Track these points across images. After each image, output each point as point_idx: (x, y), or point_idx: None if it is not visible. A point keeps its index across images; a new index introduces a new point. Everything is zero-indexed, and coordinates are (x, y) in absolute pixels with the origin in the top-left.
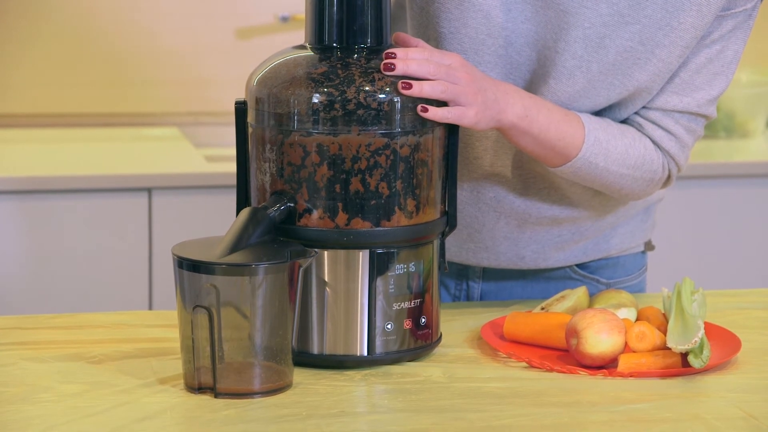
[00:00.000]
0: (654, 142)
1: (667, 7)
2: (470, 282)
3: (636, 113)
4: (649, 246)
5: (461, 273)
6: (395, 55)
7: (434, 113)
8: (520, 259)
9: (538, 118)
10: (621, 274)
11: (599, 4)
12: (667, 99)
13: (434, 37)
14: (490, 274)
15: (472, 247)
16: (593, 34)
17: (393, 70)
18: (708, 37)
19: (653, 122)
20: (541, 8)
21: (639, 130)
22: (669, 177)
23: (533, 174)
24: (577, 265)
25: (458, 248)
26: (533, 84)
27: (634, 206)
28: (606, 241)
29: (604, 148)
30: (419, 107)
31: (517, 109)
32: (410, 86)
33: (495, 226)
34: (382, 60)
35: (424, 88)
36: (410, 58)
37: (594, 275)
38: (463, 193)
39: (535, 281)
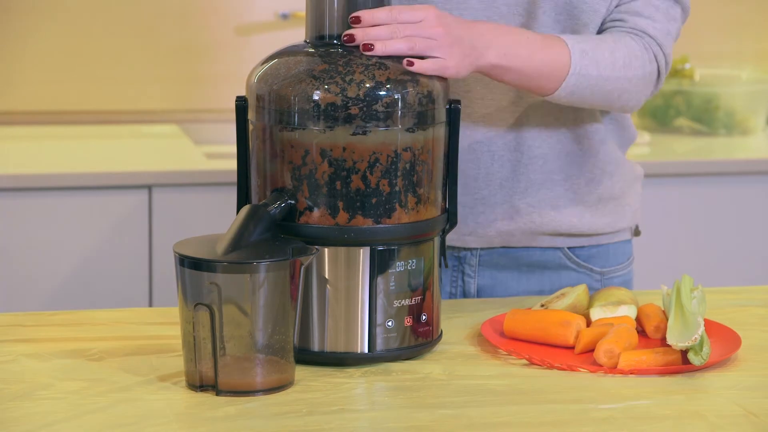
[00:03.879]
0: (639, 32)
1: None
2: (466, 277)
3: (617, 10)
4: (636, 231)
5: (456, 268)
6: (360, 19)
7: (419, 65)
8: (516, 212)
9: (518, 53)
10: (612, 263)
11: None
12: None
13: None
14: (485, 263)
15: (469, 200)
16: None
17: (353, 42)
18: None
19: (634, 13)
20: None
21: (621, 28)
22: (659, 71)
23: (525, 107)
24: (570, 249)
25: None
26: (521, 7)
27: (620, 175)
28: (597, 215)
29: (592, 57)
30: (405, 61)
31: (496, 49)
32: (372, 47)
33: (490, 169)
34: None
35: (388, 47)
36: (375, 20)
37: (587, 263)
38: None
39: (531, 273)
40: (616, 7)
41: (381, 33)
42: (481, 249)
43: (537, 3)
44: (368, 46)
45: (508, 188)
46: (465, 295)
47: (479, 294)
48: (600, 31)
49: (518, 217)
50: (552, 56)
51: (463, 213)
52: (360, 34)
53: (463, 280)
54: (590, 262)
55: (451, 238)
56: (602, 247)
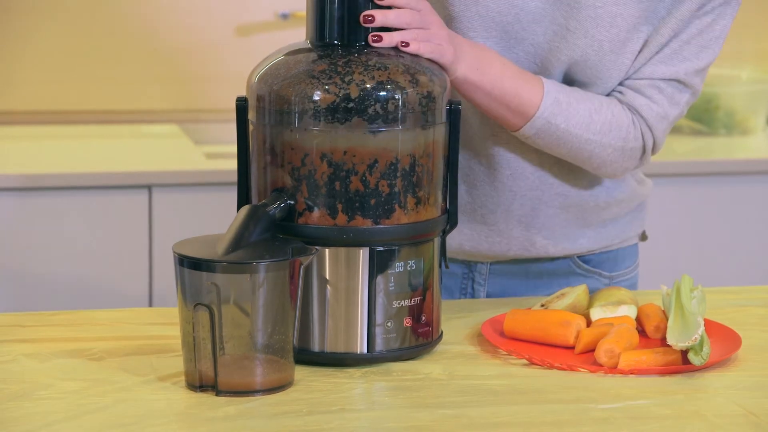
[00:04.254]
0: (634, 110)
1: None
2: (476, 285)
3: (622, 84)
4: (643, 236)
5: (466, 276)
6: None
7: (417, 47)
8: (531, 244)
9: (490, 71)
10: (620, 267)
11: None
12: (655, 68)
13: (443, 16)
14: (495, 272)
15: (486, 230)
16: (604, 13)
17: (372, 22)
18: (701, 8)
19: (637, 90)
20: None
21: (620, 100)
22: (644, 150)
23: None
24: (579, 257)
25: (471, 231)
26: (538, 58)
27: (633, 195)
28: (607, 232)
29: (565, 110)
30: (400, 43)
31: (470, 61)
32: (381, 39)
33: (510, 207)
34: (383, 55)
35: (394, 38)
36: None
37: (596, 269)
38: (480, 170)
39: (540, 279)
40: (624, 80)
41: (391, 18)
42: (492, 263)
43: (551, 59)
44: (377, 38)
45: (525, 224)
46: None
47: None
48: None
49: (533, 249)
50: (524, 89)
51: (478, 240)
52: (379, 16)
53: (473, 288)
54: (599, 267)
55: (464, 253)
56: (611, 252)
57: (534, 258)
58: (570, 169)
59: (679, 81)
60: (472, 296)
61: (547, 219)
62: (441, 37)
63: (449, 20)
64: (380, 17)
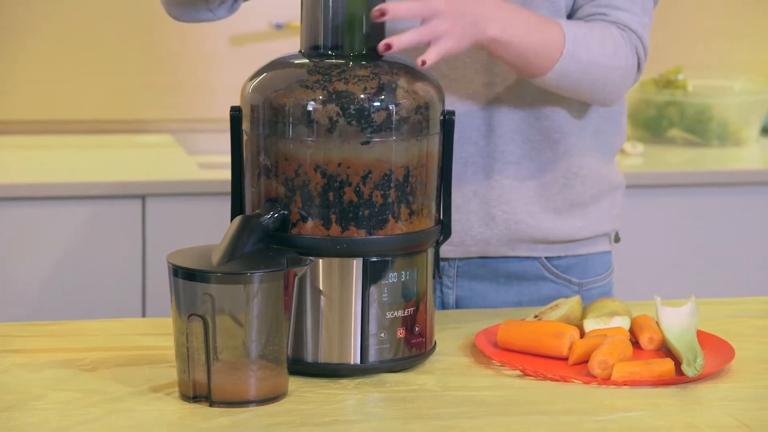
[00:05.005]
0: (623, 26)
1: None
2: (444, 288)
3: (595, 3)
4: (616, 238)
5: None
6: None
7: (429, 58)
8: (491, 219)
9: (517, 29)
10: (591, 275)
11: None
12: None
13: None
14: (463, 274)
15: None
16: None
17: (385, 15)
18: None
19: (615, 6)
20: None
21: (603, 20)
22: (639, 63)
23: (497, 111)
24: (547, 259)
25: None
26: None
27: (596, 175)
28: (574, 220)
29: (584, 42)
30: (419, 61)
31: (496, 24)
32: (391, 46)
33: (463, 177)
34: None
35: (403, 40)
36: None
37: (565, 275)
38: None
39: (509, 284)
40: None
41: (402, 12)
42: (459, 259)
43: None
44: (387, 46)
45: (482, 195)
46: (444, 306)
47: (458, 305)
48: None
49: (493, 224)
50: (548, 36)
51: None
52: (392, 11)
53: (441, 291)
54: (568, 273)
55: None
56: (580, 257)
57: (499, 242)
58: (522, 136)
59: None
60: (441, 300)
61: (504, 191)
62: (445, 29)
63: None
64: (391, 14)
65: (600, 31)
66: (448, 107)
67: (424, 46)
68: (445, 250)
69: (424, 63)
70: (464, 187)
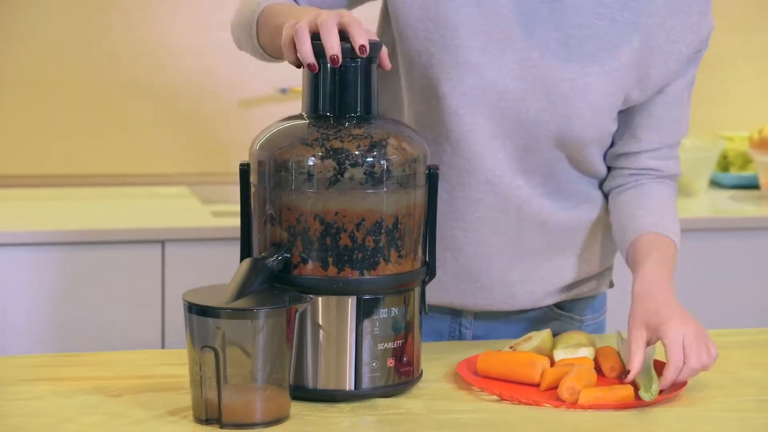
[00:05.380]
0: (672, 176)
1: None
2: (463, 329)
3: (649, 157)
4: (610, 284)
5: (454, 320)
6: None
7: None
8: (513, 298)
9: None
10: (591, 312)
11: (582, 58)
12: (673, 137)
13: (435, 96)
14: (480, 317)
15: (471, 287)
16: (580, 84)
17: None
18: (692, 76)
19: (667, 157)
20: (529, 66)
21: (659, 176)
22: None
23: (527, 206)
24: (556, 305)
25: (457, 290)
26: (527, 131)
27: (606, 259)
28: (580, 287)
29: (675, 229)
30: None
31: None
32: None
33: (491, 261)
34: (370, 125)
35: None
36: None
37: (569, 313)
38: (461, 235)
39: (520, 322)
40: (650, 149)
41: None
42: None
43: (540, 131)
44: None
45: (507, 280)
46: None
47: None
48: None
49: (514, 303)
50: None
51: (464, 295)
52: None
53: (460, 331)
54: (571, 311)
55: (451, 303)
56: (583, 299)
57: (517, 311)
58: (545, 225)
59: (680, 141)
60: (460, 338)
61: (526, 273)
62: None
63: (440, 98)
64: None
65: (672, 206)
66: (482, 208)
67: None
68: (469, 304)
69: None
70: (492, 269)
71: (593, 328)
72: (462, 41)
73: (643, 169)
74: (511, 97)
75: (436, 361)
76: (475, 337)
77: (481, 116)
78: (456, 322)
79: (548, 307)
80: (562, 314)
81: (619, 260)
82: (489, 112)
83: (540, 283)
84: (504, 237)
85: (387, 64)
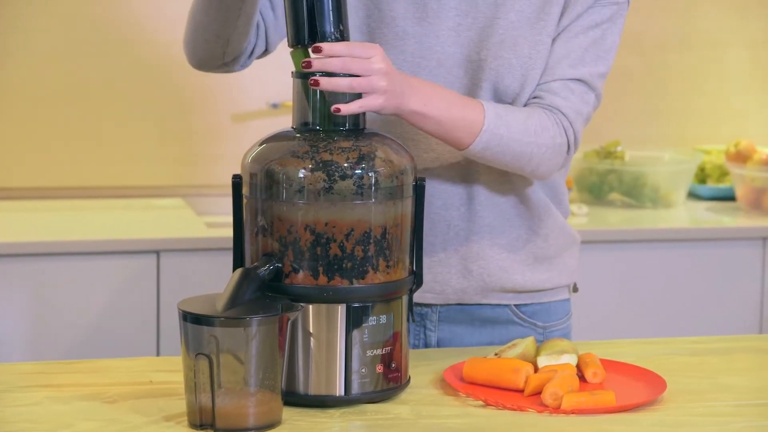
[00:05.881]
0: (555, 109)
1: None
2: (427, 331)
3: (537, 89)
4: (574, 288)
5: (419, 323)
6: (321, 48)
7: (347, 109)
8: (468, 272)
9: (438, 103)
10: (553, 319)
11: (509, 14)
12: (564, 71)
13: None
14: (444, 319)
15: (428, 262)
16: (507, 37)
17: (310, 68)
18: (591, 21)
19: (553, 92)
20: (463, 31)
21: (539, 104)
22: (569, 145)
23: (477, 179)
24: (516, 306)
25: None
26: (468, 91)
27: (560, 237)
28: (539, 273)
29: (505, 120)
30: (333, 108)
31: (418, 97)
32: (318, 83)
33: (446, 237)
34: (358, 138)
35: (334, 83)
36: (332, 51)
37: (531, 319)
38: None
39: (483, 327)
40: (538, 86)
41: (334, 64)
42: (440, 306)
43: (479, 87)
44: (315, 82)
45: (462, 253)
46: (427, 346)
47: (438, 345)
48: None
49: (470, 277)
50: (467, 113)
51: (423, 273)
52: (317, 64)
53: (425, 334)
54: (534, 317)
55: (414, 296)
56: (544, 305)
57: (475, 292)
58: (496, 201)
59: (584, 81)
60: (425, 342)
61: (480, 249)
62: (377, 85)
63: None
64: (318, 64)
65: (526, 113)
66: (433, 178)
67: (390, 115)
68: (428, 297)
69: (338, 111)
70: (447, 245)
71: (557, 335)
72: (398, 12)
73: (530, 98)
74: (450, 63)
75: (423, 367)
76: (439, 341)
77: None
78: (421, 325)
79: (509, 307)
80: (525, 320)
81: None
82: (429, 78)
83: (491, 247)
84: (457, 212)
85: None
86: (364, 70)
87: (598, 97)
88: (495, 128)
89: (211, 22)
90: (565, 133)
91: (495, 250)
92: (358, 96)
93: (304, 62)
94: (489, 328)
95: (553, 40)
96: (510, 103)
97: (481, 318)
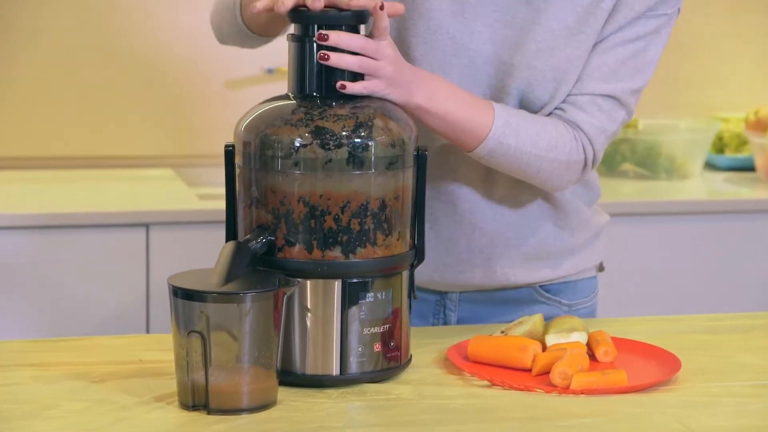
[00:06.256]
0: (575, 126)
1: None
2: (447, 311)
3: (565, 101)
4: (600, 267)
5: (439, 303)
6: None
7: (351, 87)
8: (493, 273)
9: (445, 102)
10: (579, 296)
11: (550, 21)
12: (595, 85)
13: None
14: (465, 299)
15: (451, 261)
16: (544, 46)
17: (326, 40)
18: (634, 33)
19: (578, 107)
20: (499, 29)
21: (560, 117)
22: (586, 163)
23: (501, 184)
24: (541, 286)
25: (437, 263)
26: (495, 95)
27: (587, 229)
28: (566, 264)
29: (514, 129)
30: (338, 84)
31: (425, 93)
32: (328, 57)
33: (471, 238)
34: (355, 105)
35: (343, 61)
36: (343, 35)
37: (556, 297)
38: (441, 206)
39: (505, 306)
40: (567, 97)
41: (350, 42)
42: (461, 291)
43: (502, 95)
44: (324, 56)
45: (487, 254)
46: (447, 325)
47: (459, 324)
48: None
49: (495, 276)
50: (475, 116)
51: (445, 269)
52: (333, 38)
53: (444, 314)
54: (559, 295)
55: (434, 283)
56: (570, 283)
57: (498, 287)
58: (521, 202)
59: (616, 98)
60: (445, 321)
61: (506, 249)
62: (384, 68)
63: (411, 62)
64: (334, 37)
65: (541, 124)
66: (459, 177)
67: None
68: (448, 286)
69: (343, 87)
70: (472, 246)
71: (583, 313)
72: (433, 4)
73: (555, 109)
74: (481, 61)
75: (426, 346)
76: (460, 320)
77: (452, 81)
78: (441, 304)
79: (533, 287)
80: (550, 298)
81: (610, 245)
82: (458, 77)
83: (517, 248)
84: (482, 215)
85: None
86: (374, 52)
87: (630, 113)
88: (502, 137)
89: (239, 33)
90: (584, 150)
91: (521, 251)
92: (358, 75)
93: (318, 34)
94: (511, 307)
95: (592, 47)
96: (536, 113)
97: (503, 298)
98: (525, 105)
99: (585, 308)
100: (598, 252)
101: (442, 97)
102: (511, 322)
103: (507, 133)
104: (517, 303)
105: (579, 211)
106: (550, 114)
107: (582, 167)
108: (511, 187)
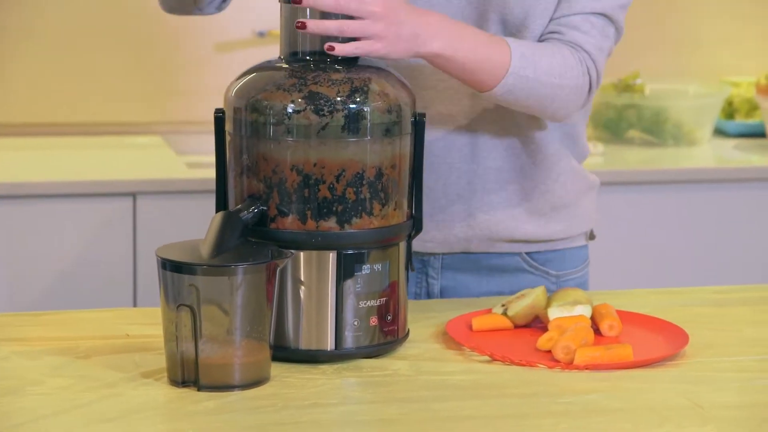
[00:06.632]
0: (575, 45)
1: None
2: (430, 279)
3: (555, 22)
4: (591, 236)
5: (420, 270)
6: None
7: (341, 49)
8: (473, 220)
9: (462, 45)
10: (568, 267)
11: None
12: (585, 4)
13: None
14: (447, 266)
15: (429, 209)
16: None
17: (299, 3)
18: None
19: (573, 27)
20: None
21: (560, 39)
22: (590, 84)
23: (479, 119)
24: (527, 254)
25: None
26: (477, 23)
27: (575, 180)
28: (554, 223)
29: (531, 61)
30: (326, 46)
31: (440, 39)
32: (304, 25)
33: (447, 180)
34: (350, 70)
35: (322, 27)
36: None
37: (544, 267)
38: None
39: (490, 276)
40: (554, 19)
41: (326, 3)
42: (444, 254)
43: (486, 19)
44: (301, 24)
45: (465, 198)
46: (429, 295)
47: (442, 295)
48: (539, 41)
49: (475, 225)
50: (494, 53)
51: (424, 221)
52: (308, 1)
53: (427, 282)
54: (546, 265)
55: (415, 244)
56: (558, 252)
57: (480, 249)
58: (503, 143)
59: (606, 15)
60: (427, 290)
61: (486, 194)
62: (373, 28)
63: None
64: (309, 1)
65: (550, 51)
66: (434, 117)
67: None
68: (429, 246)
69: (332, 49)
70: (448, 189)
71: (573, 285)
72: None
73: (547, 33)
74: None
75: (424, 320)
76: (443, 289)
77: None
78: (422, 272)
79: (519, 255)
80: (538, 268)
81: (599, 210)
82: (438, 11)
83: (497, 192)
84: (459, 153)
85: None
86: (357, 11)
87: (620, 30)
88: (520, 70)
89: None
90: (588, 72)
91: (502, 197)
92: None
93: None
94: (497, 277)
95: None
96: (515, 34)
97: (488, 266)
98: (507, 29)
99: (574, 279)
100: (588, 216)
101: (458, 40)
102: (495, 293)
103: (525, 65)
104: (503, 273)
105: (567, 161)
106: (545, 39)
107: (588, 90)
108: (492, 126)
